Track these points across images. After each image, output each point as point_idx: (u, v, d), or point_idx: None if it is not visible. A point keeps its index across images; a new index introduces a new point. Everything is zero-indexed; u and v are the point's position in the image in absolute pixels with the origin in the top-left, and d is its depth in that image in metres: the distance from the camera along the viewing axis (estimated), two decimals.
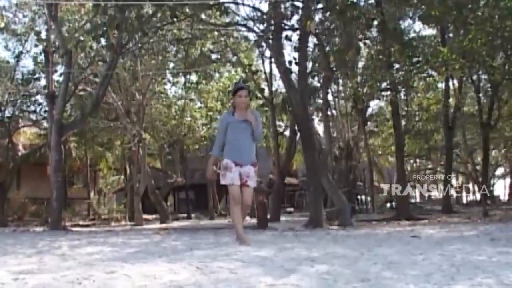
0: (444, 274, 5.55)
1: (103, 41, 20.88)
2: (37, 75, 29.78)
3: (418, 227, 15.48)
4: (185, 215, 37.17)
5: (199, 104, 34.31)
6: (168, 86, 32.27)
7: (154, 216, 32.38)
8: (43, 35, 26.26)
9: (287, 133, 29.20)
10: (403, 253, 7.66)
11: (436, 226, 16.26)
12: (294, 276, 5.52)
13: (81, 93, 27.53)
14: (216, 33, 25.52)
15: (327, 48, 20.80)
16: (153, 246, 10.74)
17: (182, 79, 29.97)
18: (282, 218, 24.28)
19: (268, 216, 21.94)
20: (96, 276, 5.77)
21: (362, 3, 19.41)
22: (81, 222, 29.09)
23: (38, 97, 30.84)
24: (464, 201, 51.49)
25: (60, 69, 25.46)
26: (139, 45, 23.24)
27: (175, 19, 20.72)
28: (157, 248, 9.99)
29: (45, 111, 28.51)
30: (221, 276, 5.67)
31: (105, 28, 19.04)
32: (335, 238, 11.18)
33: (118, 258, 8.00)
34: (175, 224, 25.86)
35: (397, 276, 5.32)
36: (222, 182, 8.53)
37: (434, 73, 24.94)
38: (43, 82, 29.03)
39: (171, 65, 28.78)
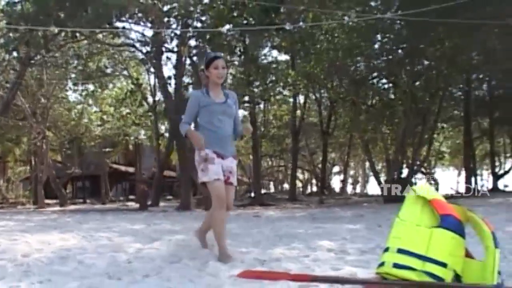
0: (269, 242, 6.25)
1: (14, 54, 20.49)
2: None
3: (264, 211, 16.26)
4: (81, 200, 36.78)
5: (95, 109, 33.95)
6: (69, 92, 31.68)
7: (55, 201, 31.77)
8: None
9: (167, 134, 29.26)
10: (244, 227, 8.34)
11: (278, 209, 17.10)
12: (157, 243, 6.05)
13: None
14: (111, 51, 25.54)
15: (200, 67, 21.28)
16: (50, 221, 10.95)
17: (81, 88, 29.55)
18: (162, 204, 24.51)
19: (150, 202, 22.26)
20: (1, 242, 6.07)
21: (228, 33, 19.98)
22: None
23: None
24: (308, 191, 53.01)
25: None
26: (45, 58, 22.90)
27: (75, 38, 20.68)
28: (53, 223, 10.23)
29: None
30: (101, 243, 6.12)
31: (16, 43, 18.81)
32: (196, 217, 11.73)
33: (20, 230, 8.25)
34: (72, 207, 25.66)
35: (235, 243, 5.96)
36: (204, 179, 5.21)
37: (284, 90, 25.96)
38: None
39: (72, 75, 28.34)
